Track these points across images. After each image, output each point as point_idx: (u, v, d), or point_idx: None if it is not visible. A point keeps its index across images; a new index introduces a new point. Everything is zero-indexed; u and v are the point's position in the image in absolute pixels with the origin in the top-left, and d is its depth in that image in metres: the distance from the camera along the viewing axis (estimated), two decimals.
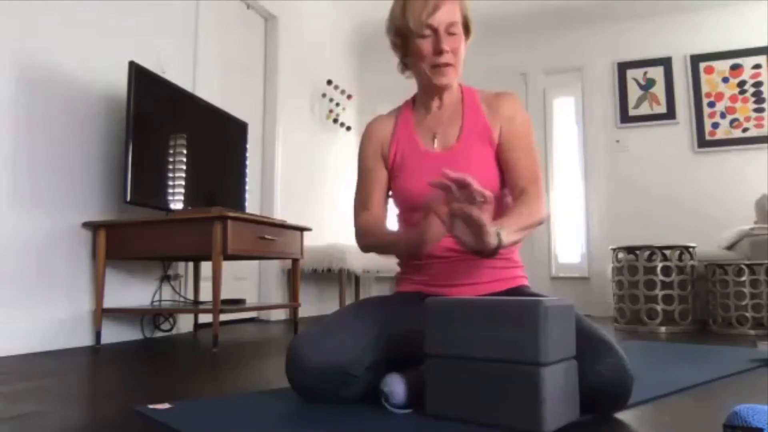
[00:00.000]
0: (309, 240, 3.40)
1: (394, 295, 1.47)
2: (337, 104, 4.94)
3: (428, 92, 1.46)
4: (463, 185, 1.08)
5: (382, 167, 1.49)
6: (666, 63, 4.69)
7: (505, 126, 1.40)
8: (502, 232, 1.13)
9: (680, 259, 3.38)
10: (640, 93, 4.74)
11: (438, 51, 1.34)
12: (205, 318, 3.03)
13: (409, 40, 1.38)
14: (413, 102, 1.53)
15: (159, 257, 2.59)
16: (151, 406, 1.22)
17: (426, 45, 1.35)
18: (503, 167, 1.40)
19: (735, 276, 3.20)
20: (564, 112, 5.05)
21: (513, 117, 1.41)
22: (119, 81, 2.68)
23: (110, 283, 2.59)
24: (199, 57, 3.30)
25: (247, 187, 3.23)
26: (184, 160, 2.73)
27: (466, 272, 1.38)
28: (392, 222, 1.50)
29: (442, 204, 1.14)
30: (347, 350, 1.19)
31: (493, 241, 1.10)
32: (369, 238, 1.45)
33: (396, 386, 1.13)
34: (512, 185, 1.38)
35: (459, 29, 1.37)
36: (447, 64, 1.36)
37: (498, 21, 4.90)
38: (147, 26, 2.91)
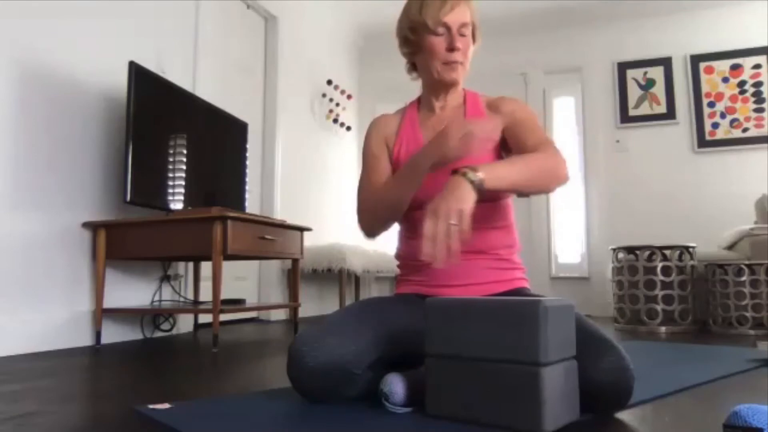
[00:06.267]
0: (309, 240, 3.40)
1: (394, 296, 1.48)
2: (337, 104, 4.94)
3: (434, 90, 1.48)
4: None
5: (387, 156, 1.50)
6: (666, 63, 4.69)
7: (507, 119, 1.42)
8: (484, 167, 1.19)
9: (680, 259, 3.38)
10: (640, 93, 4.74)
11: (451, 48, 1.39)
12: (205, 318, 3.03)
13: (423, 38, 1.42)
14: (418, 102, 1.55)
15: (159, 257, 2.59)
16: (151, 406, 1.22)
17: (440, 42, 1.40)
18: (514, 149, 1.41)
19: (735, 276, 3.20)
20: (564, 112, 5.05)
21: (514, 110, 1.44)
22: (119, 81, 2.68)
23: (110, 283, 2.59)
24: (199, 57, 3.30)
25: (247, 187, 3.22)
26: (184, 160, 2.72)
27: (464, 273, 1.38)
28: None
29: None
30: (349, 348, 1.19)
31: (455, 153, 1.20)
32: (371, 202, 1.44)
33: (396, 386, 1.13)
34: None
35: (469, 32, 1.42)
36: (458, 62, 1.40)
37: (498, 21, 4.90)
38: (147, 26, 2.91)
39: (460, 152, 1.22)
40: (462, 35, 1.40)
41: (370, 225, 1.45)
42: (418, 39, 1.44)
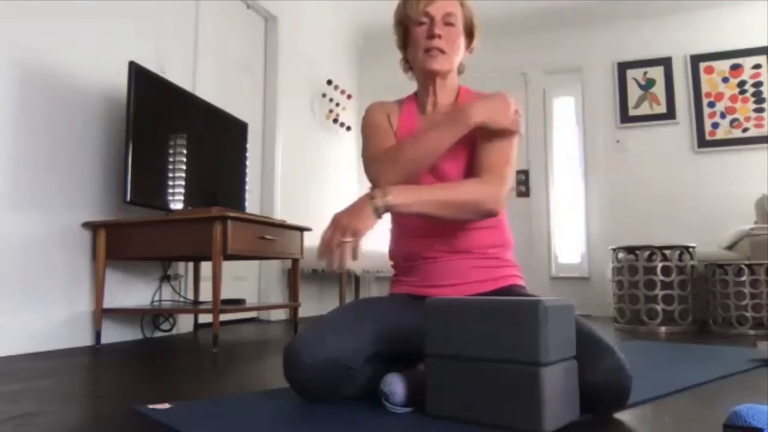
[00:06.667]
0: (309, 240, 3.40)
1: (388, 295, 1.48)
2: (337, 104, 4.94)
3: (424, 84, 1.48)
4: None
5: (391, 129, 1.47)
6: (666, 63, 4.69)
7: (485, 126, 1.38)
8: (397, 192, 1.23)
9: (680, 259, 3.38)
10: (640, 93, 4.74)
11: (430, 35, 1.39)
12: (205, 318, 3.03)
13: (409, 30, 1.44)
14: (416, 96, 1.54)
15: (159, 257, 2.59)
16: (151, 406, 1.22)
17: (422, 31, 1.41)
18: (475, 156, 1.38)
19: (735, 276, 3.20)
20: (564, 112, 5.05)
21: None
22: (119, 81, 2.68)
23: (110, 283, 2.59)
24: (199, 57, 3.30)
25: (247, 187, 3.22)
26: (184, 160, 2.72)
27: (454, 272, 1.38)
28: (385, 221, 1.46)
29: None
30: (345, 344, 1.19)
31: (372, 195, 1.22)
32: (393, 151, 1.37)
33: (396, 386, 1.13)
34: (472, 175, 1.36)
35: (457, 23, 1.41)
36: (438, 49, 1.39)
37: (498, 21, 4.90)
38: (147, 26, 2.91)
39: (511, 125, 1.31)
40: (448, 24, 1.39)
41: (385, 173, 1.35)
42: (405, 33, 1.46)
